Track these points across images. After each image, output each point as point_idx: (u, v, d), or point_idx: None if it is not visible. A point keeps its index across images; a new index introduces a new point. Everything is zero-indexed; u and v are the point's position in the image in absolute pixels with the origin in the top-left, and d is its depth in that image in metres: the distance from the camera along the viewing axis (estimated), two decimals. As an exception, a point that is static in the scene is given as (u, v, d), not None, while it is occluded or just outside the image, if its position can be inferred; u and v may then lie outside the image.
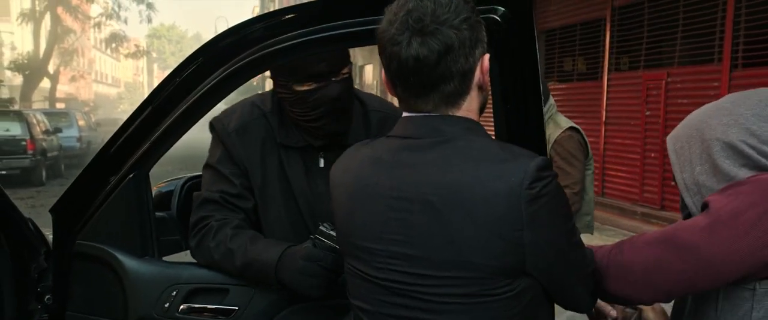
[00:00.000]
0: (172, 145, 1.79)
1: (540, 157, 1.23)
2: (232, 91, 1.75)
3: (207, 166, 1.87)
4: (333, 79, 1.77)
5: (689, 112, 1.51)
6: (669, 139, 1.50)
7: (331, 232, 1.64)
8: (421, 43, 1.21)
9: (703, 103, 1.43)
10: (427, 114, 1.28)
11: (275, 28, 1.66)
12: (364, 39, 1.66)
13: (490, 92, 1.38)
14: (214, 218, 1.78)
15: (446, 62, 1.22)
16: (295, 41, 1.64)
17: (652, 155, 9.39)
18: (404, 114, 1.33)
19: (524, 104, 1.52)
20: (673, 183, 7.20)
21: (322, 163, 1.85)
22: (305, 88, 1.75)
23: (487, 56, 1.30)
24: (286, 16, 1.67)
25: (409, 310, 1.28)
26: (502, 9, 1.49)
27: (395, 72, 1.26)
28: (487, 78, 1.32)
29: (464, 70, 1.25)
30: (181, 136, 1.77)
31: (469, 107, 1.30)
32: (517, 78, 1.51)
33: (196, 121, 1.75)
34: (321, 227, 1.67)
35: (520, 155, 1.24)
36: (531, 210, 1.18)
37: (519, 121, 1.53)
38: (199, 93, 1.70)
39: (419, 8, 1.22)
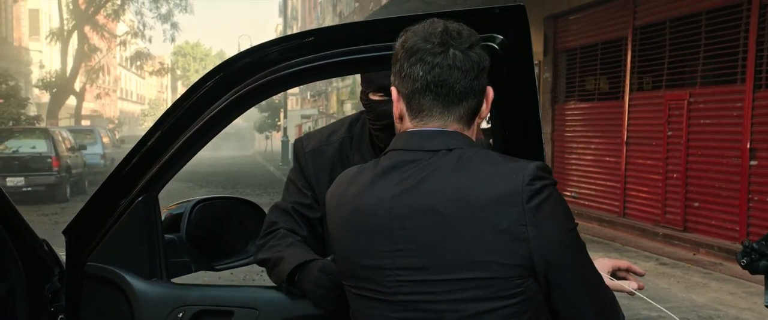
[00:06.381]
0: (181, 168, 1.81)
1: (541, 162, 1.29)
2: (241, 113, 1.78)
3: (287, 180, 2.04)
4: None
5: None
6: None
7: None
8: (464, 57, 1.30)
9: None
10: (435, 129, 1.33)
11: (291, 52, 1.68)
12: (381, 64, 1.69)
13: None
14: (281, 225, 1.92)
15: (479, 78, 1.32)
16: (309, 65, 1.66)
17: (675, 176, 9.29)
18: (410, 129, 1.36)
19: (525, 132, 1.53)
20: (695, 204, 7.05)
21: None
22: (376, 98, 1.89)
23: (490, 88, 1.37)
24: (306, 40, 1.68)
25: None
26: (501, 37, 1.50)
27: (431, 80, 1.31)
28: (488, 108, 1.38)
29: (481, 91, 1.34)
30: (189, 159, 1.79)
31: (472, 132, 1.37)
32: (517, 106, 1.52)
33: (206, 144, 1.78)
34: None
35: (521, 160, 1.31)
36: (532, 205, 1.23)
37: (519, 148, 1.53)
38: (208, 116, 1.72)
39: (454, 29, 1.31)
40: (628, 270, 1.62)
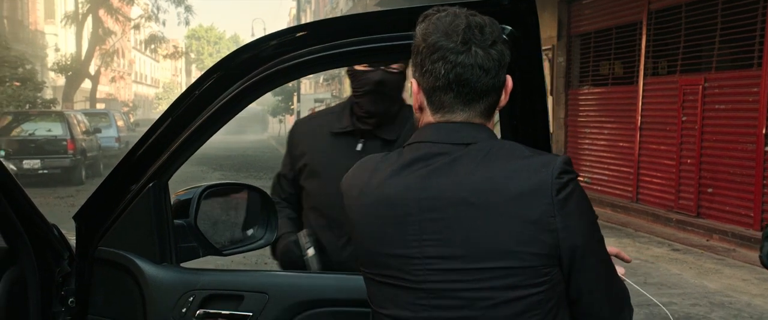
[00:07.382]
0: (190, 156, 1.84)
1: (566, 156, 1.33)
2: (247, 104, 1.80)
3: None
4: (382, 67, 2.22)
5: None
6: None
7: (305, 253, 2.21)
8: (485, 56, 1.32)
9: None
10: (459, 122, 1.35)
11: (288, 46, 1.71)
12: (383, 55, 1.73)
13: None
14: (277, 196, 2.44)
15: (500, 74, 1.34)
16: (307, 58, 1.69)
17: (688, 161, 9.24)
18: (432, 122, 1.37)
19: (532, 122, 1.54)
20: (709, 190, 7.02)
21: (359, 147, 2.29)
22: (361, 68, 2.23)
23: (509, 77, 1.39)
24: (298, 34, 1.72)
25: (450, 311, 1.31)
26: (510, 28, 1.51)
27: (453, 79, 1.32)
28: (506, 98, 1.41)
29: (501, 85, 1.37)
30: (198, 147, 1.81)
31: (492, 123, 1.40)
32: (525, 97, 1.53)
33: (213, 133, 1.80)
34: (300, 237, 2.25)
35: (547, 153, 1.37)
36: (561, 197, 1.27)
37: (527, 138, 1.54)
38: (217, 106, 1.75)
39: (476, 24, 1.32)
40: (616, 256, 1.65)
